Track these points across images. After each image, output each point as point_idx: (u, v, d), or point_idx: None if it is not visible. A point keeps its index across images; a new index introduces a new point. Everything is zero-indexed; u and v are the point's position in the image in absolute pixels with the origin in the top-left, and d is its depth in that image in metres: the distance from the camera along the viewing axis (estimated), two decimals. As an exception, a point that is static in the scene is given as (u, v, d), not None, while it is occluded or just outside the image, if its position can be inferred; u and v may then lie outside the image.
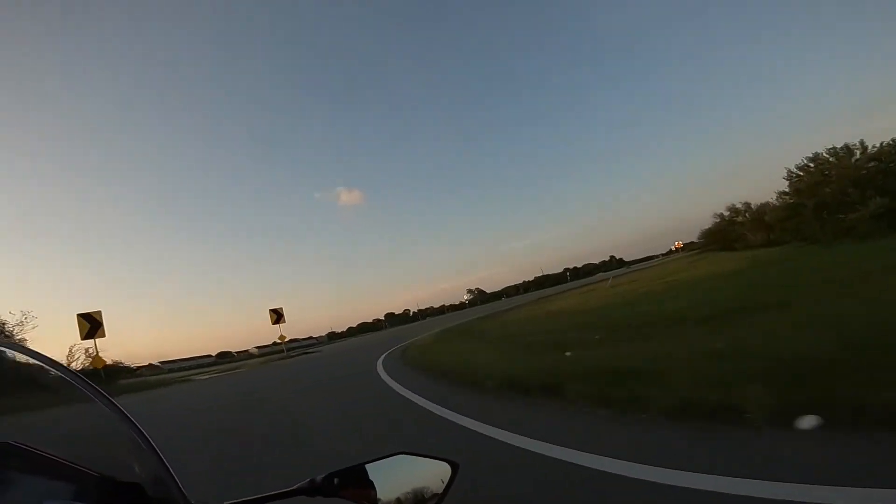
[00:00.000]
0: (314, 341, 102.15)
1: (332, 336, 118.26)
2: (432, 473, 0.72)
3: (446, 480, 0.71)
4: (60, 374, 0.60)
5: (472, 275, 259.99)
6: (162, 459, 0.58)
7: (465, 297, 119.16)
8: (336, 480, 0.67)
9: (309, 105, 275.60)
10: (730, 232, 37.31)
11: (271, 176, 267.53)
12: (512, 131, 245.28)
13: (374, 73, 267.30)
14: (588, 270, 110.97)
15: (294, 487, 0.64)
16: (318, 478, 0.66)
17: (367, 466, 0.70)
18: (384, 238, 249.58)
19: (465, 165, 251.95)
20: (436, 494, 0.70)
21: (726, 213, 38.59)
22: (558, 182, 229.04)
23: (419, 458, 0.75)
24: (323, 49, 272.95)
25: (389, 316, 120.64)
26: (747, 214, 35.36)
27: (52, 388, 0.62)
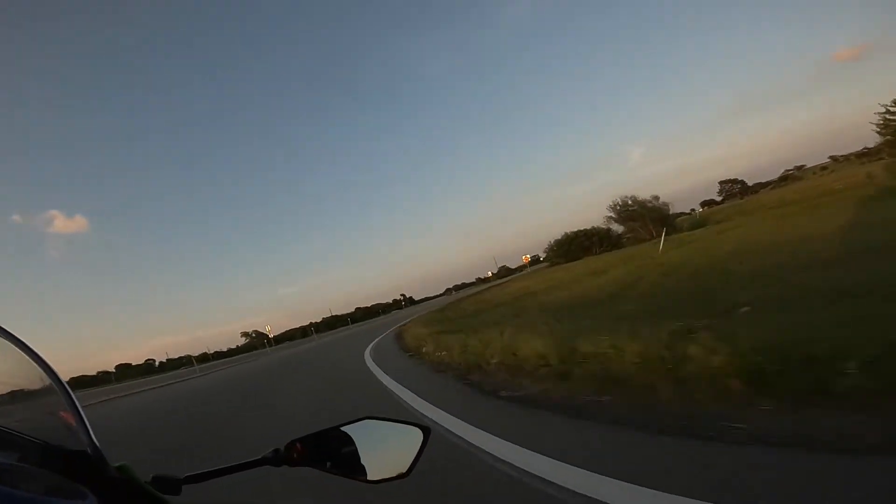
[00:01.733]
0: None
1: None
2: (403, 439, 0.70)
3: (418, 446, 0.69)
4: (12, 345, 0.54)
5: (246, 319, 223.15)
6: (88, 431, 0.54)
7: (240, 342, 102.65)
8: (302, 447, 0.64)
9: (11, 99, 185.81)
10: (626, 232, 32.49)
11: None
12: (282, 169, 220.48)
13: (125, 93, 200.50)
14: (379, 309, 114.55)
15: (259, 458, 0.63)
16: (283, 447, 0.64)
17: (334, 433, 0.67)
18: (118, 276, 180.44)
19: (231, 203, 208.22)
20: (407, 460, 0.67)
21: (619, 206, 31.90)
22: (338, 223, 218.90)
23: (388, 422, 0.71)
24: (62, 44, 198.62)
25: (123, 367, 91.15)
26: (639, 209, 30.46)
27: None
